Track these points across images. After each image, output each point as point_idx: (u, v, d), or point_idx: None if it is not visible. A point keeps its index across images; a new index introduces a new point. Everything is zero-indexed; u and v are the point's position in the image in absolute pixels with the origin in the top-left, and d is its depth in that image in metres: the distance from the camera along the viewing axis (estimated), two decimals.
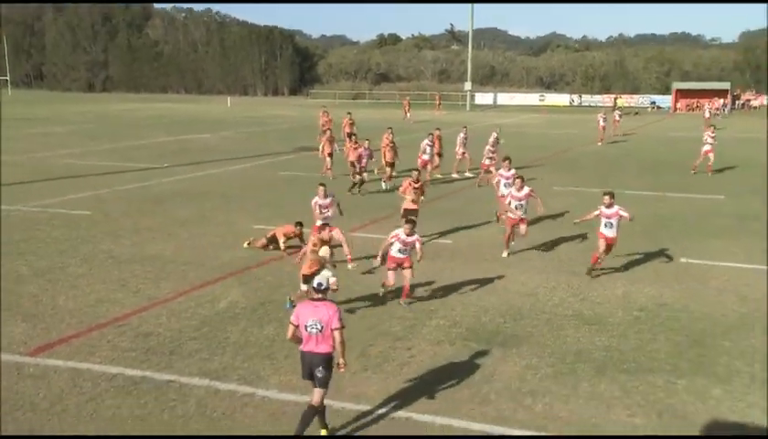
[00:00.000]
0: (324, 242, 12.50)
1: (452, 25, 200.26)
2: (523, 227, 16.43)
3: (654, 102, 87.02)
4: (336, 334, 7.88)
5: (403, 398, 9.40)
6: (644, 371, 10.25)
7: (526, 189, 16.34)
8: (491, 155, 25.68)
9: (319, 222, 15.33)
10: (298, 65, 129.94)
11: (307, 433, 8.08)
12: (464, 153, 28.84)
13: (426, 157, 26.64)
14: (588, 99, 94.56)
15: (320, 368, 7.92)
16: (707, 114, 54.00)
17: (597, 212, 14.86)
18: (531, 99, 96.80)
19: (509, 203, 16.45)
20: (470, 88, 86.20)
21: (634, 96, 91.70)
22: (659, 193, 25.14)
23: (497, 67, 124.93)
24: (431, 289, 14.08)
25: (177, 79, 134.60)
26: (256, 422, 8.71)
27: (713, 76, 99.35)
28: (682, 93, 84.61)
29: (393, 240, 12.91)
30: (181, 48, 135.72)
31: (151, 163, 32.53)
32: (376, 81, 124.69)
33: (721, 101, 75.03)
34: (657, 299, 13.55)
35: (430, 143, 26.64)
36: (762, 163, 31.99)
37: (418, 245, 12.95)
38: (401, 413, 8.94)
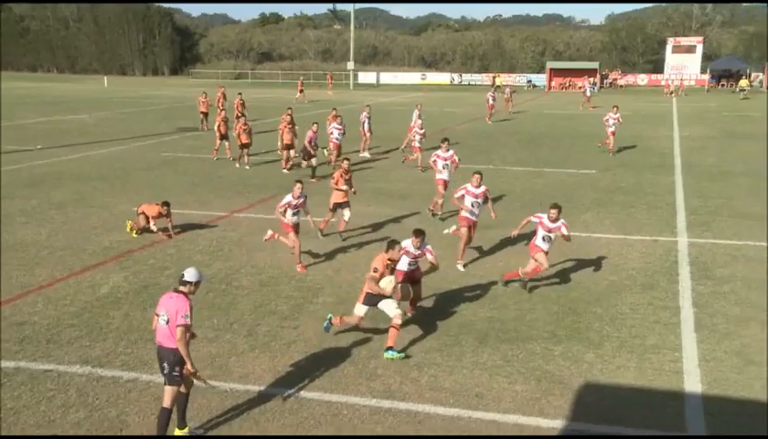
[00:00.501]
0: (394, 262, 10.50)
1: (334, 5, 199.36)
2: (465, 230, 14.39)
3: (530, 81, 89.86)
4: (177, 331, 7.47)
5: (291, 376, 9.45)
6: (523, 340, 10.68)
7: (483, 187, 14.48)
8: (419, 134, 25.69)
9: (291, 222, 13.95)
10: (178, 44, 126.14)
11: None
12: (367, 131, 28.91)
13: (336, 140, 25.90)
14: (468, 77, 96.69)
15: (165, 363, 7.61)
16: (588, 93, 56.26)
17: (536, 221, 12.84)
18: (413, 78, 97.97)
19: (463, 200, 14.36)
20: (353, 67, 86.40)
21: (512, 75, 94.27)
22: (537, 168, 26.04)
23: (379, 46, 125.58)
24: (318, 267, 14.13)
25: (48, 57, 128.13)
26: (141, 408, 8.54)
27: (583, 56, 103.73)
28: (556, 72, 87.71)
29: (401, 253, 11.01)
30: (50, 24, 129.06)
31: (22, 145, 30.88)
32: (258, 61, 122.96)
33: (591, 79, 78.17)
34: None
35: (338, 125, 26.13)
36: (631, 137, 33.60)
37: (430, 256, 11.35)
38: (290, 392, 8.99)
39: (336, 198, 16.26)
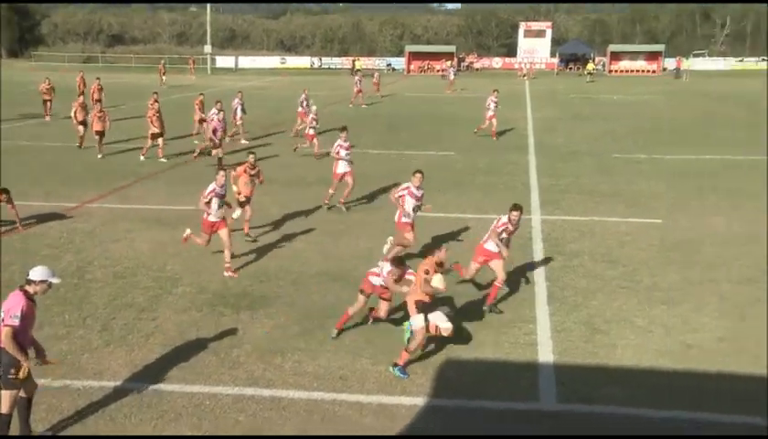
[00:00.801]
0: (440, 265, 9.56)
1: None
2: (411, 235, 13.27)
3: (389, 64, 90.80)
4: (3, 332, 6.95)
5: (150, 369, 9.16)
6: (385, 321, 10.76)
7: (421, 190, 13.34)
8: (314, 123, 25.12)
9: (213, 218, 12.86)
10: (17, 24, 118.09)
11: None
12: (240, 118, 28.39)
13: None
14: (328, 61, 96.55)
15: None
16: (451, 76, 57.65)
17: (502, 227, 11.40)
18: (273, 62, 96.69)
19: (404, 201, 13.16)
20: (210, 51, 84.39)
21: (372, 58, 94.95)
22: (398, 151, 26.38)
23: (237, 29, 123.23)
24: (177, 257, 13.73)
25: None
26: None
27: (441, 39, 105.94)
28: (414, 55, 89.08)
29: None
30: None
31: None
32: (109, 44, 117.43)
33: (449, 62, 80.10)
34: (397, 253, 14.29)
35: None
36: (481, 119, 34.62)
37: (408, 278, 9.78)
38: (148, 386, 8.70)
39: (246, 191, 14.90)
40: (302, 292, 12.04)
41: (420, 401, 8.54)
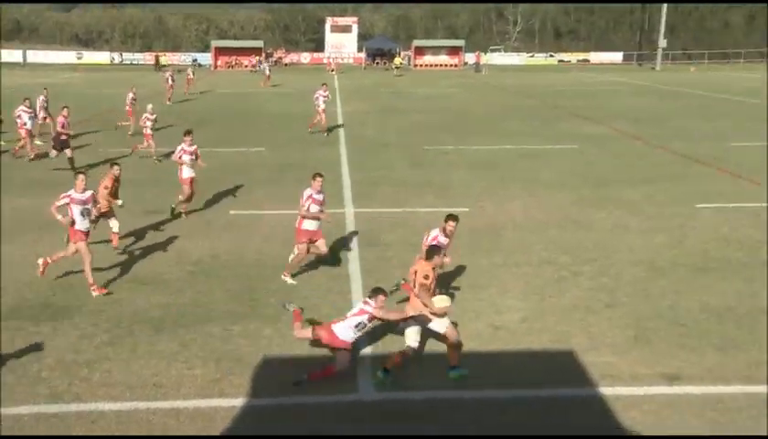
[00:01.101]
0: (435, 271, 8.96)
1: None
2: (322, 241, 12.44)
3: (195, 60, 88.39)
4: None
5: None
6: (201, 323, 10.50)
7: (322, 194, 12.37)
8: (150, 120, 23.72)
9: (82, 227, 11.54)
10: None
11: None
12: (45, 117, 26.65)
13: (27, 126, 23.42)
14: (130, 57, 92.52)
15: None
16: (267, 71, 57.23)
17: (430, 238, 10.50)
18: (68, 57, 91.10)
19: (307, 207, 12.12)
20: None
21: (177, 53, 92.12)
22: (208, 149, 25.60)
23: (23, 21, 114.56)
24: None
25: None
26: None
27: (248, 35, 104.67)
28: (221, 51, 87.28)
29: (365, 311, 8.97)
30: None
31: None
32: None
33: (258, 58, 79.36)
34: (211, 252, 13.92)
35: (27, 108, 23.39)
36: (302, 115, 34.60)
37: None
38: None
39: (104, 205, 13.49)
40: (110, 298, 11.41)
41: (238, 402, 8.36)
